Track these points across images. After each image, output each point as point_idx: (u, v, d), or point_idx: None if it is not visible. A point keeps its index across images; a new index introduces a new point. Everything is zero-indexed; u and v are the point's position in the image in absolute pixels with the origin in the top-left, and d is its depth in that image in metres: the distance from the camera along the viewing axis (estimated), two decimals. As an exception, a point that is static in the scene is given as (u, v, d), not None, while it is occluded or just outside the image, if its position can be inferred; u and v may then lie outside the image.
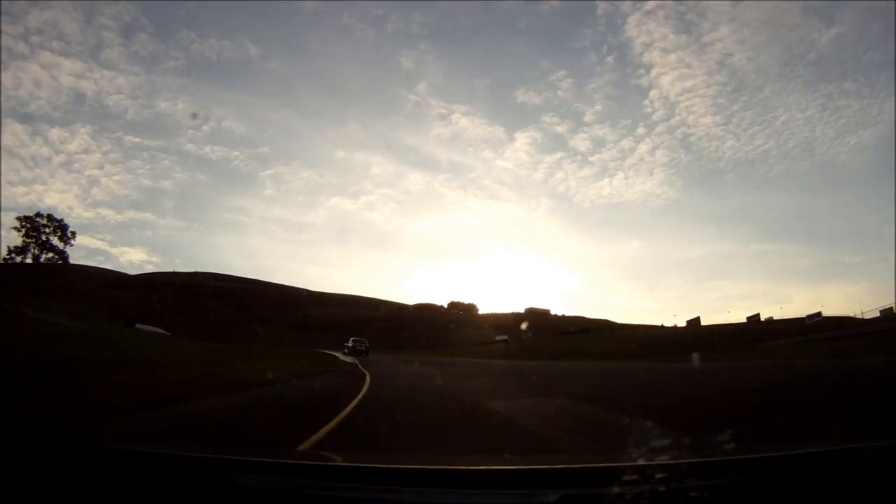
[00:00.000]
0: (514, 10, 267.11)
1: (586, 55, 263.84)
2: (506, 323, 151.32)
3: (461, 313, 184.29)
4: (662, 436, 2.40)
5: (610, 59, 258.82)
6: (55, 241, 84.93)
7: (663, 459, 2.07)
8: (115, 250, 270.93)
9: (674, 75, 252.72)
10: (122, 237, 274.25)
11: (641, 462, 1.99)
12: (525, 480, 1.96)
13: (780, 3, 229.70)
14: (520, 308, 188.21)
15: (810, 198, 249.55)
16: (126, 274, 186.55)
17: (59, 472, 1.91)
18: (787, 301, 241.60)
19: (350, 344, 56.81)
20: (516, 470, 2.22)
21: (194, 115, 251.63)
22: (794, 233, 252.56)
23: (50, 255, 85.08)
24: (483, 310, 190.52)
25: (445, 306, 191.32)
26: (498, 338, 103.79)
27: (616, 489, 1.67)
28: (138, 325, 69.98)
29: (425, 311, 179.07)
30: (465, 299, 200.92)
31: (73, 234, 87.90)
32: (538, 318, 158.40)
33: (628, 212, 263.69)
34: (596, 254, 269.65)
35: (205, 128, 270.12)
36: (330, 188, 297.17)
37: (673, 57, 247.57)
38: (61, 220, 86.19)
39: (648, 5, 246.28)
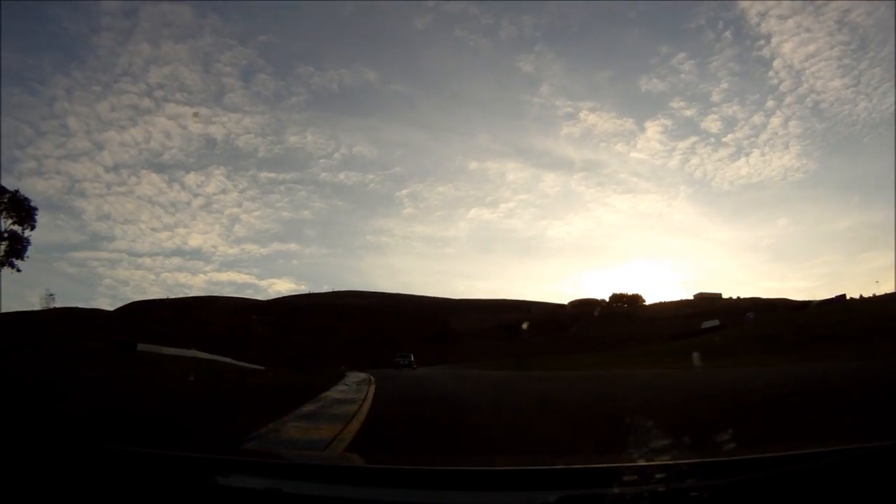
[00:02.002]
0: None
1: (703, 34, 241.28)
2: (675, 312, 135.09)
3: (625, 306, 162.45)
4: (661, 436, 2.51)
5: (727, 34, 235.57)
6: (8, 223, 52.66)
7: (663, 460, 2.10)
8: (262, 283, 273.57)
9: (794, 42, 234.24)
10: (268, 269, 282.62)
11: (641, 462, 2.03)
12: (525, 481, 1.97)
13: None
14: (687, 295, 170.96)
15: None
16: (258, 300, 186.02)
17: (60, 472, 1.96)
18: None
19: (398, 359, 54.47)
20: (516, 470, 2.23)
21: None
22: None
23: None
24: (648, 300, 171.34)
25: (607, 300, 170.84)
26: (707, 324, 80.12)
27: (616, 489, 1.67)
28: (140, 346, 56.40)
29: (584, 308, 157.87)
30: (627, 290, 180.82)
31: (35, 210, 54.21)
32: (710, 304, 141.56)
33: (769, 189, 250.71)
34: (741, 236, 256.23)
35: (336, 155, 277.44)
36: (468, 200, 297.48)
37: (790, 23, 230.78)
38: (16, 190, 53.91)
39: None
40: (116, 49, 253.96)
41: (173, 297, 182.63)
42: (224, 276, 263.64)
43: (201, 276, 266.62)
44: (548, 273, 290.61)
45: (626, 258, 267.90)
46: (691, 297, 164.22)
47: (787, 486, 1.71)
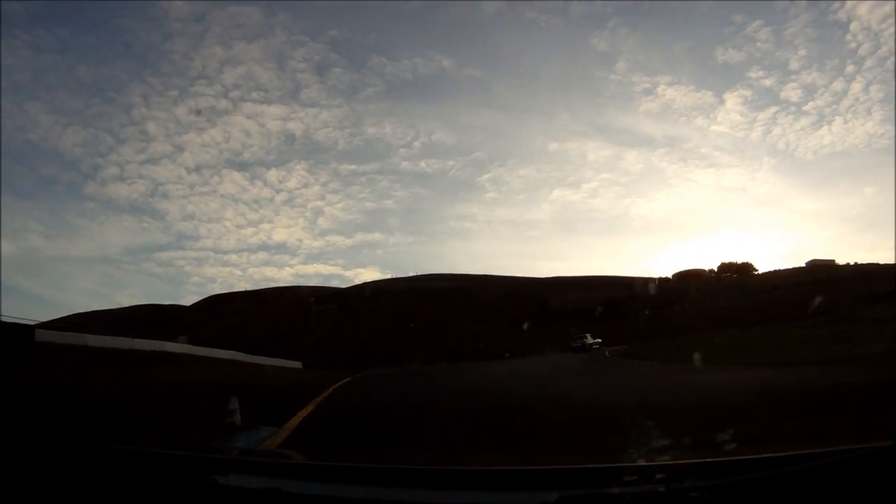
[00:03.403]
0: None
1: (777, 0, 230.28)
2: (787, 281, 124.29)
3: (734, 276, 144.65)
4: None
5: None
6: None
7: (663, 460, 2.12)
8: (349, 273, 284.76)
9: (870, 2, 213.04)
10: (354, 260, 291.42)
11: (641, 462, 2.02)
12: (525, 481, 1.96)
13: None
14: (799, 263, 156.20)
15: None
16: (339, 288, 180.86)
17: (59, 471, 1.98)
18: None
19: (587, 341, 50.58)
20: (516, 470, 2.22)
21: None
22: None
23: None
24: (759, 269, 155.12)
25: (715, 270, 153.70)
26: None
27: (616, 489, 1.68)
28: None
29: (691, 280, 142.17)
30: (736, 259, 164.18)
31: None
32: (828, 271, 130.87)
33: (854, 157, 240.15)
34: (828, 207, 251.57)
35: (415, 144, 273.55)
36: (550, 181, 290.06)
37: None
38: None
39: None
40: (190, 53, 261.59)
41: (251, 288, 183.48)
42: (310, 269, 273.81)
43: (287, 269, 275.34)
44: (634, 251, 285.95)
45: (713, 233, 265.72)
46: (803, 265, 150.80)
47: (787, 486, 1.70)
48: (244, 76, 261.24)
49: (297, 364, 52.34)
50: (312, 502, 1.91)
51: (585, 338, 53.06)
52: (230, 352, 49.93)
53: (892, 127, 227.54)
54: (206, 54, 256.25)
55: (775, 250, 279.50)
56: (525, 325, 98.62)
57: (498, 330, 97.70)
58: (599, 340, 54.02)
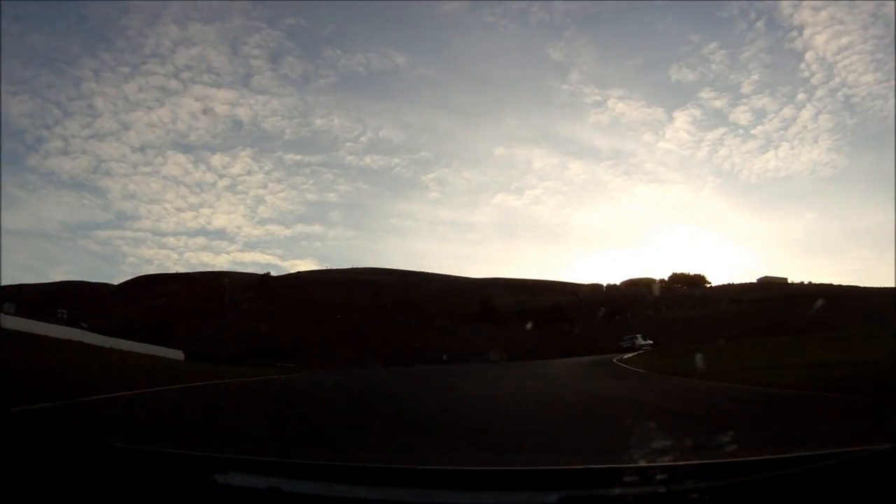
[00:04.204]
0: None
1: (735, 23, 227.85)
2: (738, 296, 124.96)
3: (685, 288, 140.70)
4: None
5: (760, 24, 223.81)
6: None
7: (664, 461, 2.24)
8: (286, 263, 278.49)
9: (827, 34, 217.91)
10: (292, 251, 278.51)
11: (642, 463, 2.14)
12: (525, 481, 2.00)
13: None
14: (751, 278, 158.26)
15: None
16: (272, 276, 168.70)
17: (60, 469, 1.98)
18: None
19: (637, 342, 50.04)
20: (516, 471, 2.28)
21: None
22: None
23: None
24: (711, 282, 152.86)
25: (666, 280, 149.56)
26: None
27: (616, 490, 1.71)
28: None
29: (641, 289, 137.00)
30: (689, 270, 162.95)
31: None
32: (780, 288, 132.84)
33: (797, 183, 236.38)
34: (769, 230, 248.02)
35: (362, 139, 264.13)
36: (494, 185, 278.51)
37: (824, 14, 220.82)
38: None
39: None
40: (145, 30, 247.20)
41: (181, 271, 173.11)
42: (248, 257, 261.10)
43: (224, 256, 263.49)
44: (575, 260, 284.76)
45: (655, 246, 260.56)
46: (755, 281, 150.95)
47: (787, 488, 1.72)
48: (197, 58, 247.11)
49: (176, 354, 41.67)
50: (312, 502, 1.93)
51: (636, 338, 52.22)
52: (102, 337, 39.07)
53: (839, 156, 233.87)
54: (160, 32, 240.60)
55: (717, 265, 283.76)
56: (468, 325, 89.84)
57: (437, 328, 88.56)
58: (651, 342, 51.94)
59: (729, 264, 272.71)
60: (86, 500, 1.90)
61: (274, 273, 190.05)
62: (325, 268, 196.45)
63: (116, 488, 1.92)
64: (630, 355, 36.74)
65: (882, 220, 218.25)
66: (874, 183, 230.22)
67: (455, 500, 1.93)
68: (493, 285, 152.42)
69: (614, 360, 31.97)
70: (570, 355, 52.29)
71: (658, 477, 1.74)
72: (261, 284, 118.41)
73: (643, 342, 51.28)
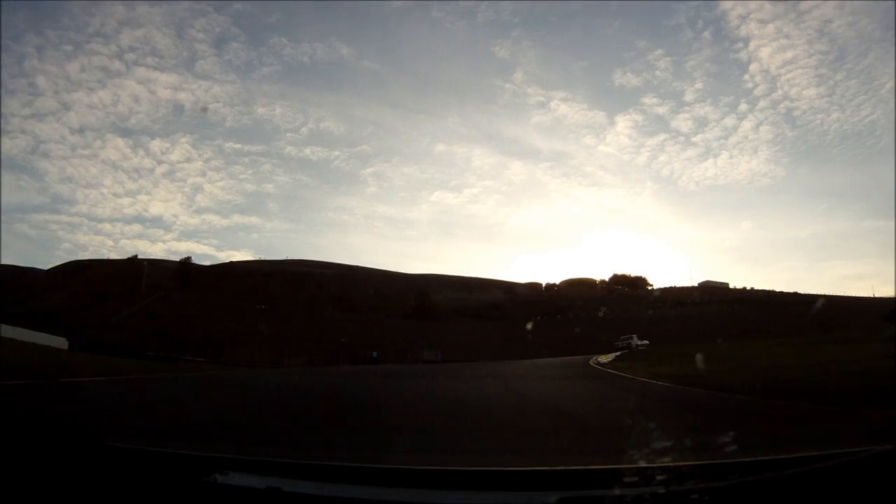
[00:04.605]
0: None
1: (682, 32, 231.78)
2: (682, 299, 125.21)
3: (626, 289, 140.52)
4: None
5: (706, 34, 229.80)
6: None
7: (663, 461, 2.22)
8: (221, 254, 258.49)
9: (773, 47, 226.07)
10: (228, 241, 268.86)
11: (642, 464, 2.13)
12: (525, 482, 2.02)
13: None
14: (692, 282, 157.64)
15: None
16: (203, 266, 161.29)
17: (57, 469, 1.97)
18: None
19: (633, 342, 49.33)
20: (516, 471, 2.27)
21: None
22: None
23: None
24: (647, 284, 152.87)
25: (606, 281, 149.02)
26: None
27: (616, 491, 1.72)
28: None
29: (582, 289, 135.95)
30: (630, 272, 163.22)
31: None
32: (722, 293, 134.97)
33: (735, 192, 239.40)
34: (706, 236, 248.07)
35: (303, 130, 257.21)
36: (433, 183, 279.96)
37: (771, 27, 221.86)
38: None
39: None
40: (91, 9, 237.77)
41: (114, 257, 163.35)
42: (183, 246, 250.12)
43: (160, 244, 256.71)
44: (512, 259, 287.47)
45: (591, 248, 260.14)
46: (696, 285, 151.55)
47: (787, 488, 1.74)
48: (141, 39, 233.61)
49: (60, 342, 35.95)
50: (312, 502, 1.93)
51: (632, 338, 51.38)
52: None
53: (777, 167, 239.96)
54: (106, 12, 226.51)
55: (654, 269, 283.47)
56: (402, 321, 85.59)
57: (370, 323, 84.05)
58: (647, 342, 51.32)
59: (666, 268, 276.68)
60: (85, 501, 1.88)
61: (208, 264, 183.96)
62: (258, 258, 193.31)
63: (116, 488, 1.91)
64: (607, 360, 30.80)
65: (816, 231, 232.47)
66: (810, 195, 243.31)
67: (455, 500, 1.94)
68: (429, 282, 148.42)
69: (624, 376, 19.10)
70: (515, 357, 48.79)
71: (658, 477, 1.75)
72: (180, 270, 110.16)
73: (639, 343, 50.61)
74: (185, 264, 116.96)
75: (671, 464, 2.04)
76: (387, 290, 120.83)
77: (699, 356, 19.72)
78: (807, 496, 1.71)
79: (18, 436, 2.11)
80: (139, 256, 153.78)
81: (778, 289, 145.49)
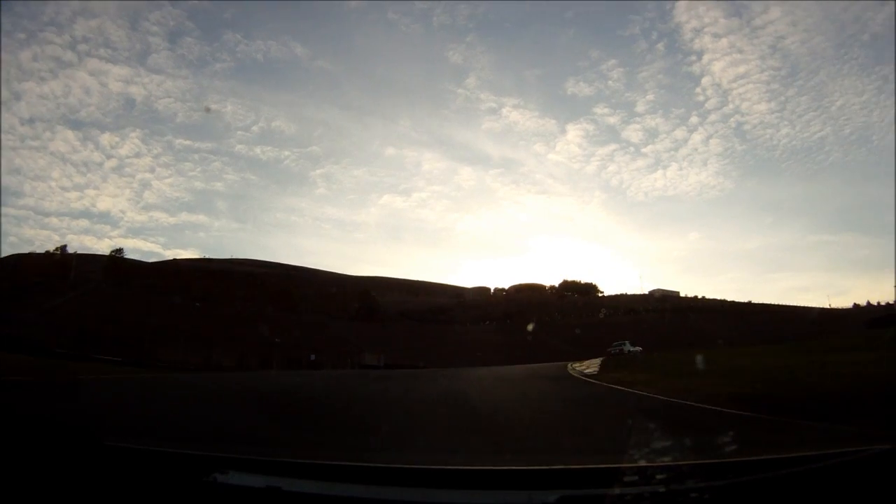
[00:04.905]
0: None
1: (636, 43, 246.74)
2: (634, 306, 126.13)
3: (575, 296, 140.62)
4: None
5: (660, 46, 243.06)
6: None
7: (663, 460, 2.21)
8: (168, 252, 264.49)
9: (725, 61, 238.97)
10: (175, 240, 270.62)
11: (642, 463, 2.11)
12: (525, 481, 2.02)
13: None
14: (643, 290, 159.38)
15: (869, 186, 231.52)
16: (145, 262, 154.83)
17: (57, 469, 1.97)
18: (846, 293, 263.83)
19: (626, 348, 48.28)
20: (516, 470, 2.25)
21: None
22: (853, 223, 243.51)
23: None
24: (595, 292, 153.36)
25: (556, 287, 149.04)
26: None
27: (616, 490, 1.71)
28: None
29: (531, 294, 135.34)
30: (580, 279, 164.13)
31: None
32: (671, 301, 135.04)
33: (683, 203, 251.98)
34: (653, 247, 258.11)
35: (254, 128, 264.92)
36: (382, 186, 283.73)
37: (724, 42, 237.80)
38: None
39: None
40: None
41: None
42: (130, 243, 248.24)
43: (107, 240, 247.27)
44: (459, 264, 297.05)
45: (538, 254, 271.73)
46: (646, 293, 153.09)
47: (787, 488, 1.74)
48: (95, 30, 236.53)
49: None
50: (312, 502, 1.93)
51: (624, 344, 50.43)
52: None
53: (726, 180, 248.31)
54: (61, 1, 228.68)
55: (602, 276, 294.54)
56: (345, 323, 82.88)
57: (311, 324, 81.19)
58: (640, 348, 49.87)
59: (615, 276, 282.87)
60: (85, 501, 1.88)
61: (154, 260, 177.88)
62: (204, 257, 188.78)
63: (116, 488, 1.91)
64: (590, 369, 24.76)
65: (763, 244, 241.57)
66: (758, 209, 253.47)
67: (455, 500, 1.93)
68: (376, 284, 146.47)
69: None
70: (466, 362, 46.98)
71: (657, 477, 1.74)
72: (111, 264, 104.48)
73: (632, 349, 49.33)
74: (116, 258, 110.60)
75: (671, 463, 2.01)
76: (332, 292, 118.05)
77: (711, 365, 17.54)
78: (806, 496, 1.70)
79: (18, 436, 2.04)
80: (82, 252, 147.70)
81: (729, 298, 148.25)
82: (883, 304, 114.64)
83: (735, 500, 1.72)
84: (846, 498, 1.71)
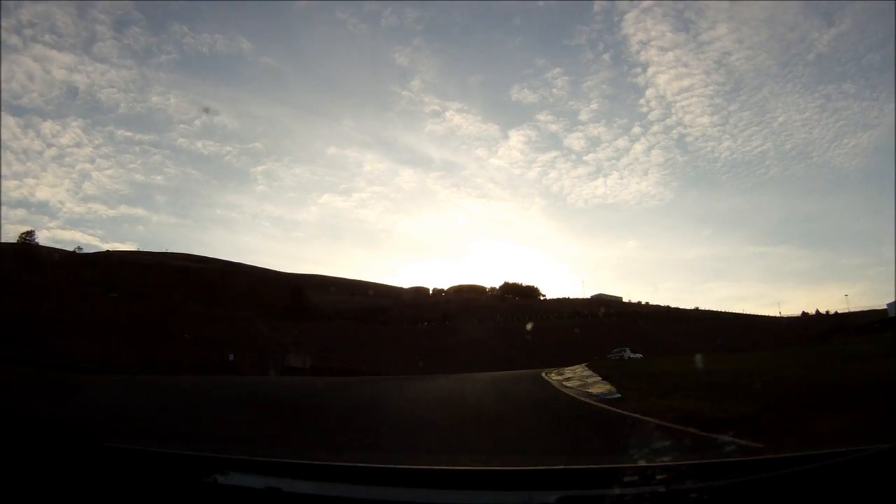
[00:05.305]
0: (509, 6, 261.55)
1: (582, 52, 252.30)
2: (578, 310, 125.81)
3: (517, 299, 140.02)
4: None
5: (606, 56, 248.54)
6: None
7: (664, 460, 2.22)
8: (106, 246, 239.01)
9: (670, 74, 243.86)
10: (113, 233, 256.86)
11: (642, 463, 2.11)
12: (525, 481, 2.01)
13: (779, 2, 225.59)
14: (585, 294, 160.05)
15: (807, 200, 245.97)
16: (67, 251, 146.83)
17: (57, 470, 1.98)
18: (780, 304, 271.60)
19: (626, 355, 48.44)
20: (516, 471, 2.25)
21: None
22: (791, 235, 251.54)
23: None
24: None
25: (497, 289, 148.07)
26: None
27: (616, 490, 1.71)
28: None
29: (472, 296, 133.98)
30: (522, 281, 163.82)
31: None
32: (614, 306, 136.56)
33: (623, 212, 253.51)
34: (591, 254, 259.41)
35: (196, 122, 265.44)
36: (322, 185, 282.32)
37: (670, 55, 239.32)
38: None
39: (646, 3, 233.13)
40: None
41: None
42: (67, 235, 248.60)
43: (45, 231, 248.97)
44: (398, 266, 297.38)
45: (477, 259, 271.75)
46: (589, 297, 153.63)
47: (787, 488, 1.74)
48: (41, 15, 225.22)
49: None
50: (312, 502, 1.93)
51: (625, 351, 50.43)
52: None
53: (666, 190, 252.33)
54: None
55: (541, 280, 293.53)
56: (273, 321, 79.36)
57: (237, 321, 77.53)
58: (640, 355, 49.27)
59: (555, 280, 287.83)
60: (85, 501, 1.89)
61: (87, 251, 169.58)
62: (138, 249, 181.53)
63: (116, 489, 1.91)
64: (573, 381, 19.53)
65: (700, 254, 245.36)
66: (697, 219, 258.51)
67: (455, 500, 1.93)
68: (312, 282, 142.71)
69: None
70: (408, 367, 44.74)
71: (658, 477, 1.74)
72: (20, 249, 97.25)
73: (632, 355, 48.83)
74: (25, 242, 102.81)
75: (671, 463, 2.01)
76: (264, 289, 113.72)
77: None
78: (807, 496, 1.69)
79: (18, 437, 2.04)
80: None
81: (673, 304, 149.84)
82: (832, 313, 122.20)
83: (735, 500, 1.70)
84: (846, 498, 1.68)
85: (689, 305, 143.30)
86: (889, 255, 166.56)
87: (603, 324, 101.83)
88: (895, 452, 1.83)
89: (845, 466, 1.85)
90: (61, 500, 1.87)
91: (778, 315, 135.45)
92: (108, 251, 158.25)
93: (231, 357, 52.73)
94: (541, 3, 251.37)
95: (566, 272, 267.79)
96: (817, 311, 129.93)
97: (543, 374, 24.66)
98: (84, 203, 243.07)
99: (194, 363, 44.08)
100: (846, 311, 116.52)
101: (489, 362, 52.14)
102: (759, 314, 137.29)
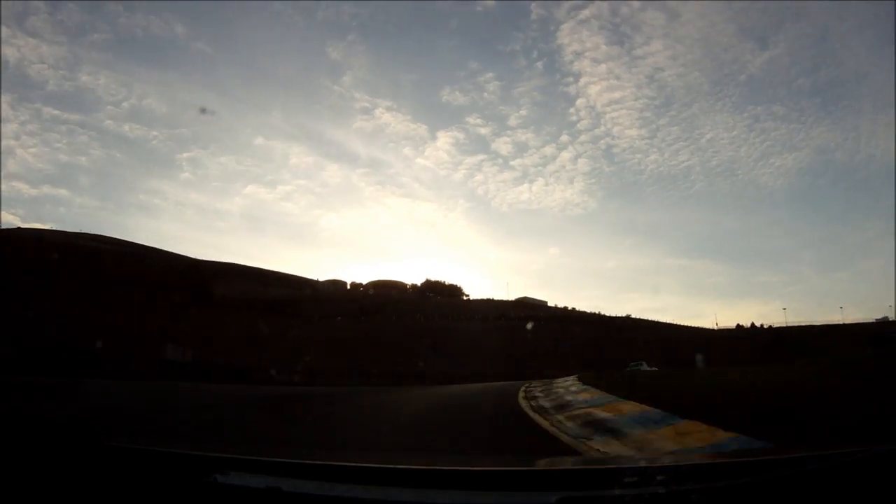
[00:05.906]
0: (446, 8, 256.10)
1: (516, 59, 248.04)
2: (503, 312, 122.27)
3: (438, 297, 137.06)
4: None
5: (539, 64, 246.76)
6: None
7: (664, 461, 2.25)
8: (26, 227, 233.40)
9: (602, 86, 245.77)
10: (35, 213, 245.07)
11: (642, 464, 2.10)
12: (525, 482, 2.03)
13: (715, 23, 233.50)
14: (509, 296, 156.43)
15: (729, 217, 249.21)
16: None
17: (58, 469, 2.00)
18: (699, 316, 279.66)
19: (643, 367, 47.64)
20: (516, 471, 2.26)
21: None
22: (711, 250, 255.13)
23: None
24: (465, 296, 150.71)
25: (418, 286, 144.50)
26: None
27: (616, 491, 1.72)
28: None
29: (391, 292, 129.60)
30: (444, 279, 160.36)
31: None
32: (536, 310, 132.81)
33: (546, 219, 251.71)
34: (512, 258, 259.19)
35: (125, 104, 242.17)
36: (247, 176, 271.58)
37: (603, 67, 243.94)
38: None
39: (583, 14, 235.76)
40: None
41: None
42: None
43: None
44: (320, 261, 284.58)
45: (402, 257, 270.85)
46: (513, 300, 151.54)
47: (787, 488, 1.75)
48: None
49: None
50: (312, 502, 1.94)
51: (641, 364, 50.14)
52: None
53: (590, 199, 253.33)
54: None
55: (463, 282, 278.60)
56: (164, 305, 73.00)
57: (127, 303, 71.08)
58: (656, 368, 47.56)
59: (478, 283, 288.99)
60: (85, 501, 1.90)
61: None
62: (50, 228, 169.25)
63: (116, 488, 1.92)
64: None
65: (620, 264, 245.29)
66: (619, 230, 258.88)
67: (455, 501, 1.92)
68: (225, 271, 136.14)
69: None
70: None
71: (658, 477, 1.74)
72: None
73: (648, 368, 47.48)
74: None
75: (671, 464, 2.02)
76: (172, 274, 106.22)
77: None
78: (807, 496, 1.70)
79: (19, 437, 2.05)
80: None
81: (597, 312, 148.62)
82: (766, 326, 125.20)
83: (735, 501, 1.70)
84: (846, 498, 1.68)
85: (611, 313, 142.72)
86: (806, 273, 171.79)
87: (536, 328, 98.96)
88: (895, 453, 1.81)
89: (847, 467, 1.82)
90: (63, 500, 1.84)
91: (715, 328, 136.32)
92: (10, 228, 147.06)
93: (99, 344, 46.97)
94: (479, 5, 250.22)
95: (489, 275, 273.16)
96: (752, 325, 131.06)
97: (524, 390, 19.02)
98: (6, 181, 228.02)
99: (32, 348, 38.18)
100: (783, 324, 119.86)
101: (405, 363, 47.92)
102: (691, 325, 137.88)
